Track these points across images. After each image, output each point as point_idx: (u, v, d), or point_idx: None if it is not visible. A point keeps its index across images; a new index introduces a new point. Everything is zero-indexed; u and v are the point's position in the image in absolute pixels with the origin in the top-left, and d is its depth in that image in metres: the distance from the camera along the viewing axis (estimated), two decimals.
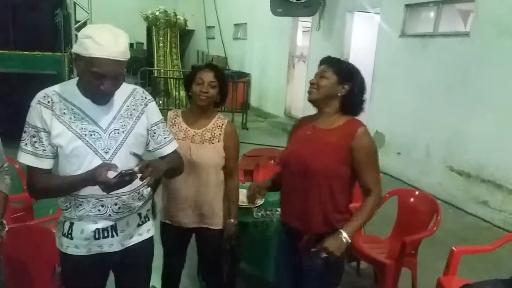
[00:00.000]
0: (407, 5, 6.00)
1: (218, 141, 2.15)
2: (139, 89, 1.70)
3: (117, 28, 1.49)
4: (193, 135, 2.15)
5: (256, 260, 2.65)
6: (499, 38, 4.62)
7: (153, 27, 11.30)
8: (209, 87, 2.09)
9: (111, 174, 1.41)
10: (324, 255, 1.71)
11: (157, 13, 11.17)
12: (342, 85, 1.85)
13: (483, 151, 4.80)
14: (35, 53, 6.31)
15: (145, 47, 13.73)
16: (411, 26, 6.06)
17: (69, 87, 1.55)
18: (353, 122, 1.87)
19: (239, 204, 2.62)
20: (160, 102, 9.95)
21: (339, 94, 1.86)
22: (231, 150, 2.19)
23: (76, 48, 1.46)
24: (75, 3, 7.33)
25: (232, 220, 2.22)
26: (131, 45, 15.22)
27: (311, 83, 1.89)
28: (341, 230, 1.73)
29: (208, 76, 2.10)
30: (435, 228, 2.71)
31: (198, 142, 2.14)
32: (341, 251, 1.71)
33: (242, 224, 2.49)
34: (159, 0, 13.27)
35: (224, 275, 2.43)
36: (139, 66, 10.84)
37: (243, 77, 10.74)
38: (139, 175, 1.45)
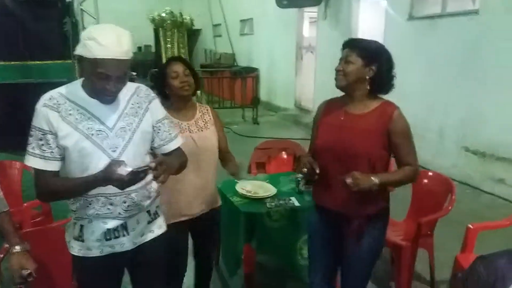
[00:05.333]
0: None
1: (211, 125, 2.27)
2: (143, 87, 1.71)
3: (119, 27, 1.50)
4: (188, 126, 2.20)
5: (272, 250, 2.67)
6: (507, 14, 4.53)
7: (160, 28, 11.36)
8: (185, 76, 2.14)
9: (122, 171, 1.41)
10: (349, 180, 1.73)
11: (163, 15, 11.21)
12: (368, 67, 1.83)
13: (498, 129, 4.73)
14: (46, 62, 6.43)
15: (153, 49, 13.83)
16: (419, 8, 5.98)
17: (74, 88, 1.56)
18: (387, 106, 1.89)
19: (252, 195, 2.69)
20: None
21: (367, 77, 1.85)
22: (221, 131, 2.34)
23: (79, 50, 1.45)
24: (82, 10, 7.44)
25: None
26: (139, 48, 15.40)
27: (337, 70, 1.88)
28: (374, 175, 1.78)
29: (180, 67, 2.15)
30: (450, 208, 2.69)
31: (196, 131, 2.20)
32: (364, 186, 1.74)
33: (255, 214, 2.54)
34: (164, 1, 13.35)
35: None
36: (148, 68, 10.93)
37: (251, 72, 10.77)
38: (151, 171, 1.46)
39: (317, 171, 1.85)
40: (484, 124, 4.90)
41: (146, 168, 1.45)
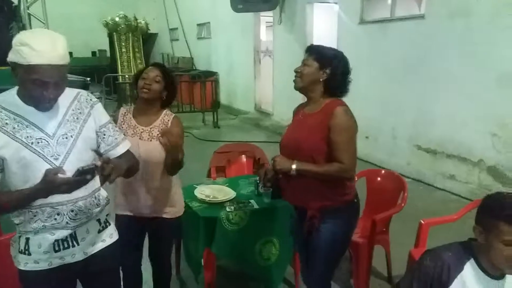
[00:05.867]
0: None
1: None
2: (84, 92, 1.66)
3: (53, 32, 1.45)
4: (141, 132, 2.21)
5: (231, 254, 2.66)
6: (451, 19, 4.79)
7: (114, 33, 11.13)
8: (153, 81, 2.18)
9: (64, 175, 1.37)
10: (272, 161, 2.02)
11: (116, 19, 11.01)
12: (323, 70, 1.97)
13: (447, 127, 4.98)
14: None
15: (108, 54, 13.50)
16: (369, 12, 6.20)
17: (9, 97, 1.49)
18: (333, 103, 1.99)
19: (211, 200, 2.67)
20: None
21: (321, 79, 1.98)
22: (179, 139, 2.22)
23: (12, 57, 1.39)
24: (29, 14, 7.14)
25: None
26: (93, 53, 14.97)
27: (296, 72, 2.03)
28: (295, 161, 1.95)
29: (153, 72, 2.20)
30: (402, 205, 2.79)
31: (146, 139, 2.20)
32: (282, 168, 1.97)
33: (214, 219, 2.52)
34: (118, 5, 13.09)
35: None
36: (103, 74, 10.64)
37: (210, 76, 10.72)
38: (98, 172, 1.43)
39: (263, 181, 2.12)
40: (434, 123, 5.15)
41: (92, 166, 1.39)
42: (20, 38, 1.39)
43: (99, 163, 1.42)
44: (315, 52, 2.01)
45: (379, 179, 3.06)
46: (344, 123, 1.92)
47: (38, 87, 1.40)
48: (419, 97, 5.30)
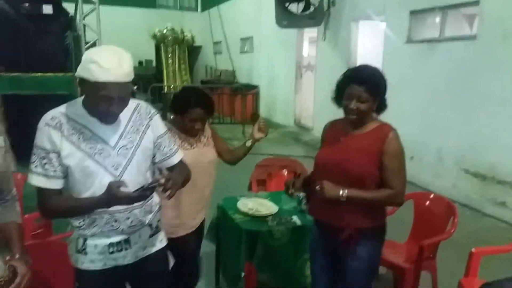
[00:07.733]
0: (411, 12, 6.01)
1: (210, 142, 2.50)
2: (143, 104, 1.72)
3: (120, 49, 1.50)
4: (195, 142, 2.40)
5: (272, 269, 2.63)
6: (505, 40, 4.61)
7: (161, 44, 11.52)
8: (200, 124, 2.32)
9: (125, 190, 1.45)
10: (317, 187, 1.88)
11: (164, 31, 11.39)
12: (376, 100, 1.94)
13: (497, 152, 4.76)
14: (47, 74, 6.44)
15: (154, 64, 13.95)
16: (417, 32, 6.07)
17: (76, 107, 1.57)
18: (384, 127, 1.95)
19: (254, 213, 2.67)
20: (171, 117, 10.07)
21: (374, 108, 1.96)
22: (220, 141, 2.60)
23: (80, 73, 1.46)
24: (84, 25, 7.50)
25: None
26: (140, 63, 15.49)
27: (351, 109, 1.90)
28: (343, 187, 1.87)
29: (200, 115, 2.30)
30: (452, 231, 2.68)
31: (201, 147, 2.41)
32: (330, 195, 1.86)
33: (257, 232, 2.51)
34: (166, 18, 13.54)
35: None
36: (148, 83, 10.99)
37: (251, 90, 10.83)
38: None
39: (291, 191, 2.08)
40: (484, 146, 4.93)
41: (156, 184, 1.47)
42: (89, 56, 1.45)
43: (162, 180, 1.47)
44: (369, 87, 1.88)
45: (427, 203, 2.95)
46: (399, 149, 1.91)
47: (104, 102, 1.47)
48: (467, 119, 5.11)
